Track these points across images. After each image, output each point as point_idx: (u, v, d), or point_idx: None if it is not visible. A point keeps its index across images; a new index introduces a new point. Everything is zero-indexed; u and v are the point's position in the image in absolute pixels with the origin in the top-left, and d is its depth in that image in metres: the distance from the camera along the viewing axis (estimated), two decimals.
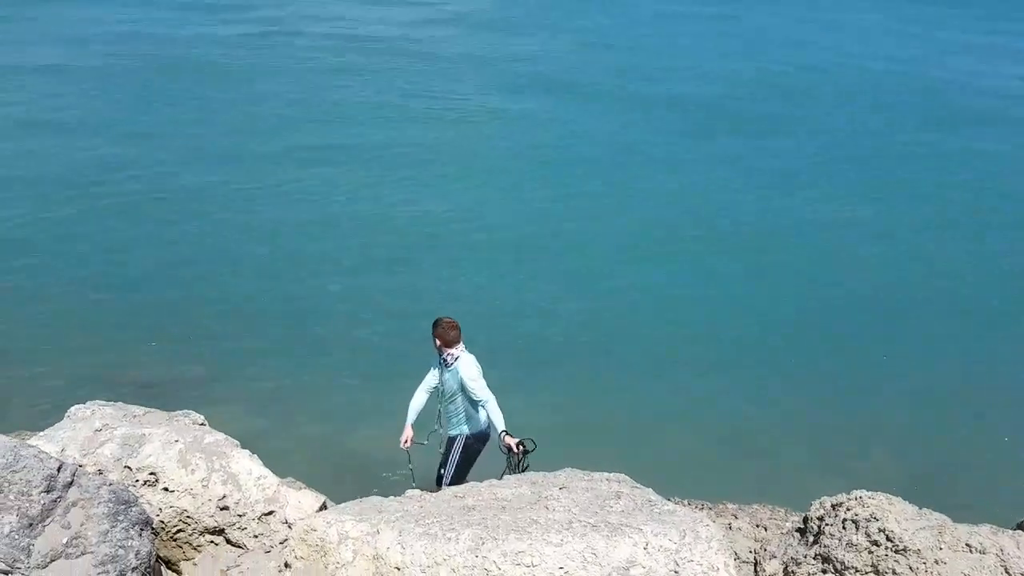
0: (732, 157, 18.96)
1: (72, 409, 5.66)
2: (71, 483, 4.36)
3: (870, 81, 26.52)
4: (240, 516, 5.25)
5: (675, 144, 19.79)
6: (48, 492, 4.23)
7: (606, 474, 5.67)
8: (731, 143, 20.02)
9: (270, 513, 5.29)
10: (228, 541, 5.27)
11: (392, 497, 5.42)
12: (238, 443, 5.65)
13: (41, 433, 5.41)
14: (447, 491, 5.53)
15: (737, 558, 6.56)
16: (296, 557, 4.72)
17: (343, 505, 5.38)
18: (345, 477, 7.94)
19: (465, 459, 6.89)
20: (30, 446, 4.52)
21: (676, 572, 4.39)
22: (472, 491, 5.43)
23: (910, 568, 4.24)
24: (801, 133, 21.00)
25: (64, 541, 4.19)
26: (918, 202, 16.77)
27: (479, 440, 6.92)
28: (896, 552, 4.28)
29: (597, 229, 14.94)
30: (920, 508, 4.70)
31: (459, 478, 6.82)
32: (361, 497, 5.52)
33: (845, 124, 21.98)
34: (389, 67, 26.00)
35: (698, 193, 16.87)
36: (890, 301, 12.83)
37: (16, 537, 4.05)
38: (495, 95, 23.42)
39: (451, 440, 6.92)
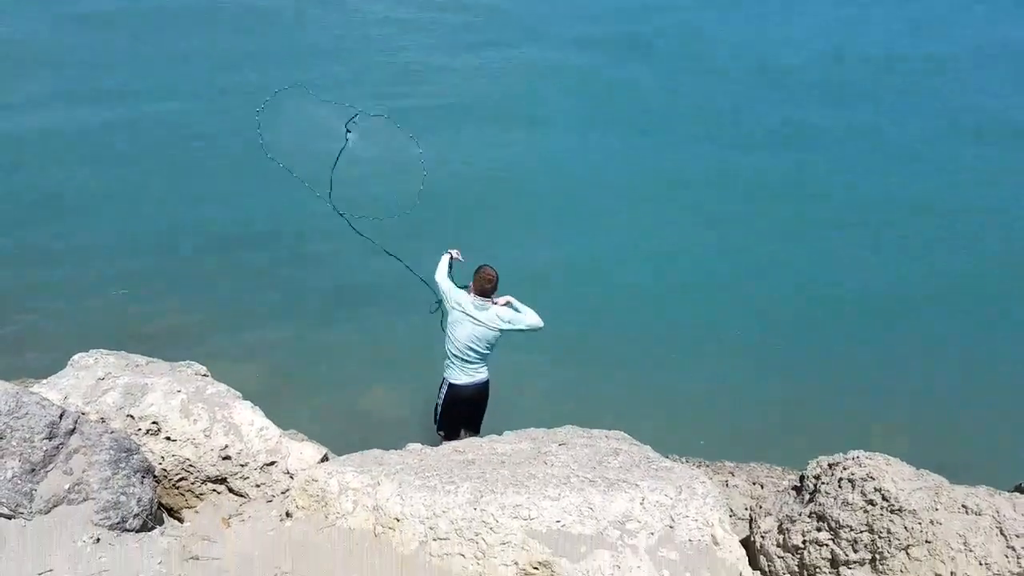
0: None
1: (75, 357, 5.68)
2: (73, 430, 4.40)
3: None
4: (242, 466, 5.30)
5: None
6: (50, 439, 4.27)
7: (605, 431, 5.72)
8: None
9: (272, 464, 5.34)
10: (230, 490, 5.32)
11: (393, 450, 5.47)
12: (240, 395, 5.68)
13: (44, 381, 5.43)
14: (446, 446, 5.58)
15: (733, 515, 6.64)
16: (297, 507, 4.77)
17: (344, 457, 5.44)
18: (346, 430, 7.98)
19: (443, 408, 6.85)
20: (33, 393, 4.55)
21: (671, 527, 4.44)
22: (471, 446, 5.48)
23: (905, 528, 4.27)
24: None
25: (66, 487, 4.24)
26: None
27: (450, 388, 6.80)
28: (891, 512, 4.31)
29: (632, 195, 14.77)
30: (918, 469, 4.72)
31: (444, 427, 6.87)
32: (362, 450, 5.58)
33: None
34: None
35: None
36: (899, 267, 12.78)
37: (19, 482, 4.11)
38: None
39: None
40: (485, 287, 6.42)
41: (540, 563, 4.19)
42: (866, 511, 4.41)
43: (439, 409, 6.79)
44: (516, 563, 4.23)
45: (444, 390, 6.74)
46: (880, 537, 4.33)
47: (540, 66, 20.11)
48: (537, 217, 13.83)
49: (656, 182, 15.21)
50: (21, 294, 10.45)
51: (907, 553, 4.29)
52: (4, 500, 4.07)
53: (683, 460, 7.78)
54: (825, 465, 4.85)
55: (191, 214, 12.91)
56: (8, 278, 10.74)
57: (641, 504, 4.51)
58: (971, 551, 4.18)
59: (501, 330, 6.53)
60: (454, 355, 6.56)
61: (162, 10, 21.59)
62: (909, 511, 4.29)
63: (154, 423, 5.23)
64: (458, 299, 6.50)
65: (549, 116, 17.52)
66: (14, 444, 4.16)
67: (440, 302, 6.69)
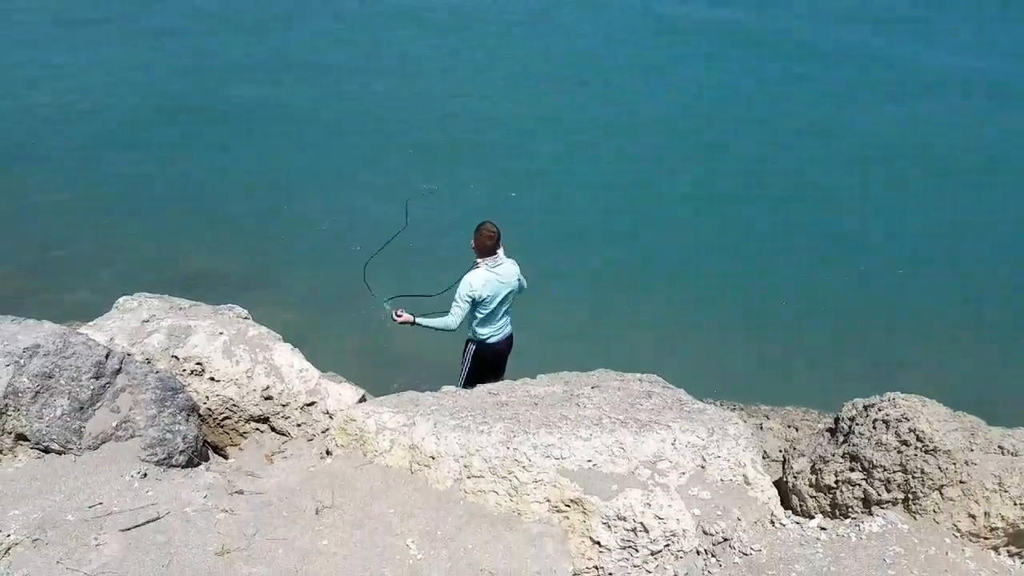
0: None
1: (120, 300, 5.83)
2: (119, 370, 4.54)
3: None
4: (283, 406, 5.44)
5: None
6: (97, 378, 4.42)
7: (639, 375, 5.74)
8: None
9: (312, 404, 5.47)
10: (273, 429, 5.48)
11: (428, 392, 5.56)
12: (280, 337, 5.80)
13: (90, 323, 5.59)
14: (480, 388, 5.64)
15: (767, 456, 6.66)
16: (337, 445, 4.90)
17: (381, 398, 5.55)
18: (383, 372, 8.12)
19: (470, 367, 6.74)
20: (80, 334, 4.69)
21: (703, 467, 4.48)
22: (505, 388, 5.54)
23: (939, 468, 4.24)
24: None
25: (113, 424, 4.40)
26: None
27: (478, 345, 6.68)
28: (925, 452, 4.28)
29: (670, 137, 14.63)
30: (955, 411, 4.68)
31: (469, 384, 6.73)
32: (398, 392, 5.67)
33: None
34: None
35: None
36: (936, 211, 12.53)
37: (68, 419, 4.27)
38: None
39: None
40: (487, 243, 6.26)
41: (571, 500, 4.27)
42: (900, 451, 4.39)
43: (467, 369, 6.70)
44: (548, 500, 4.31)
45: (471, 349, 6.64)
46: (913, 477, 4.32)
47: None
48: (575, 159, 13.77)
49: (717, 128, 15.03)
50: (65, 239, 10.72)
51: (940, 493, 4.27)
52: (55, 437, 4.24)
53: (718, 403, 7.78)
54: (860, 407, 4.81)
55: (229, 165, 13.08)
56: (53, 225, 11.00)
57: (672, 445, 4.55)
58: (1006, 491, 4.15)
59: (518, 281, 6.50)
60: (485, 316, 6.44)
61: None
62: (943, 451, 4.26)
63: (198, 364, 5.37)
64: (474, 284, 6.24)
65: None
66: (62, 383, 4.31)
67: (474, 302, 6.48)
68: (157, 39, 19.18)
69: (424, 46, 19.75)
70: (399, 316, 6.37)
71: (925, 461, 4.33)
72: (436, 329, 6.37)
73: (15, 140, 13.53)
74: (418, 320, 6.37)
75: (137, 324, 5.50)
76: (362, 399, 5.69)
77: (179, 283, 8.52)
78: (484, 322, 6.44)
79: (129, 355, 4.86)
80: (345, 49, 19.32)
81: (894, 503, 4.44)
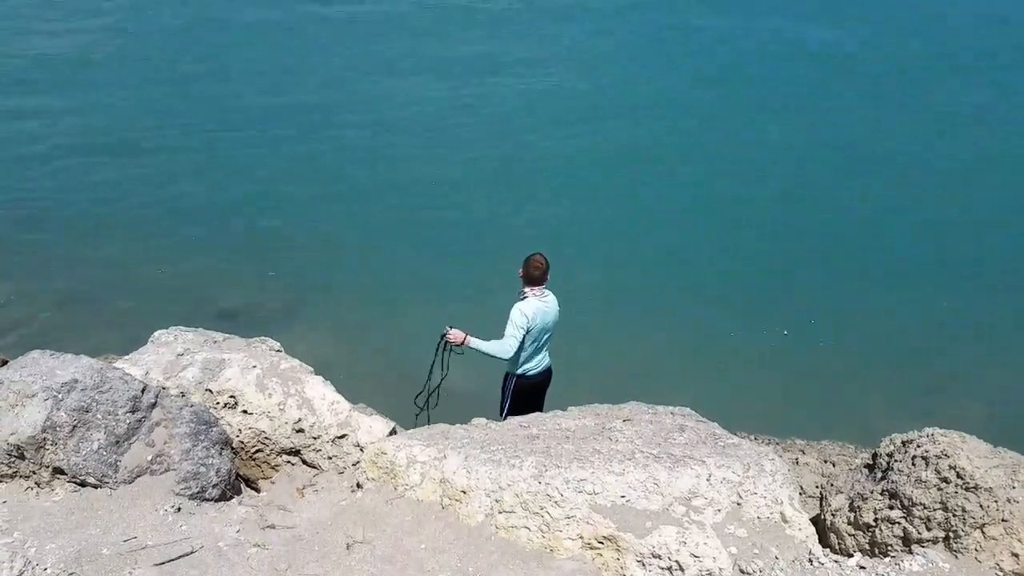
0: None
1: (156, 334, 5.91)
2: (154, 404, 4.59)
3: None
4: (315, 439, 5.45)
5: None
6: (133, 412, 4.47)
7: (671, 407, 5.68)
8: None
9: (343, 436, 5.48)
10: (304, 462, 5.49)
11: (458, 424, 5.55)
12: (312, 369, 5.83)
13: (126, 357, 5.66)
14: (512, 420, 5.62)
15: (803, 492, 6.55)
16: (367, 478, 4.90)
17: (412, 431, 5.55)
18: (413, 405, 8.10)
19: (512, 400, 6.65)
20: (116, 368, 4.76)
21: (739, 504, 4.41)
22: (536, 421, 5.52)
23: (980, 506, 4.15)
24: None
25: (149, 458, 4.44)
26: None
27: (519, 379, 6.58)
28: (966, 490, 4.19)
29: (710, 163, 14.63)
30: (995, 447, 4.58)
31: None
32: (429, 424, 5.67)
33: None
34: None
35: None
36: (972, 236, 12.34)
37: (104, 453, 4.31)
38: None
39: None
40: (535, 274, 6.23)
41: (605, 537, 4.22)
42: (940, 489, 4.30)
43: (508, 403, 6.64)
44: (581, 537, 4.27)
45: (513, 382, 6.55)
46: (954, 515, 4.23)
47: None
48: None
49: (727, 153, 14.98)
50: (103, 273, 10.89)
51: (982, 531, 4.17)
52: (91, 470, 4.29)
53: (752, 438, 7.68)
54: (899, 442, 4.73)
55: (269, 190, 13.26)
56: (90, 260, 11.19)
57: (708, 480, 4.49)
58: None
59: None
60: (528, 347, 6.39)
61: None
62: (985, 489, 4.16)
63: (231, 397, 5.41)
64: (527, 313, 6.15)
65: None
66: (99, 417, 4.37)
67: (528, 329, 6.42)
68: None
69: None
70: (449, 333, 6.15)
71: (966, 499, 4.24)
72: (487, 354, 6.17)
73: (49, 175, 13.76)
74: (470, 340, 6.15)
75: (172, 357, 5.56)
76: (392, 431, 5.70)
77: (214, 315, 8.63)
78: (526, 354, 6.38)
79: (164, 389, 4.92)
80: (399, 78, 19.19)
81: (934, 542, 4.34)
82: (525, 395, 6.58)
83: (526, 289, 6.22)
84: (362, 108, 16.84)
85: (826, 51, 20.51)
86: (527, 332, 6.17)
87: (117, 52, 19.47)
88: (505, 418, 6.47)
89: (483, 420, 5.83)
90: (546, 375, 6.62)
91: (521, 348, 6.26)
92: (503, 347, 6.13)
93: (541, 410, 6.57)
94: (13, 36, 19.91)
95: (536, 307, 6.18)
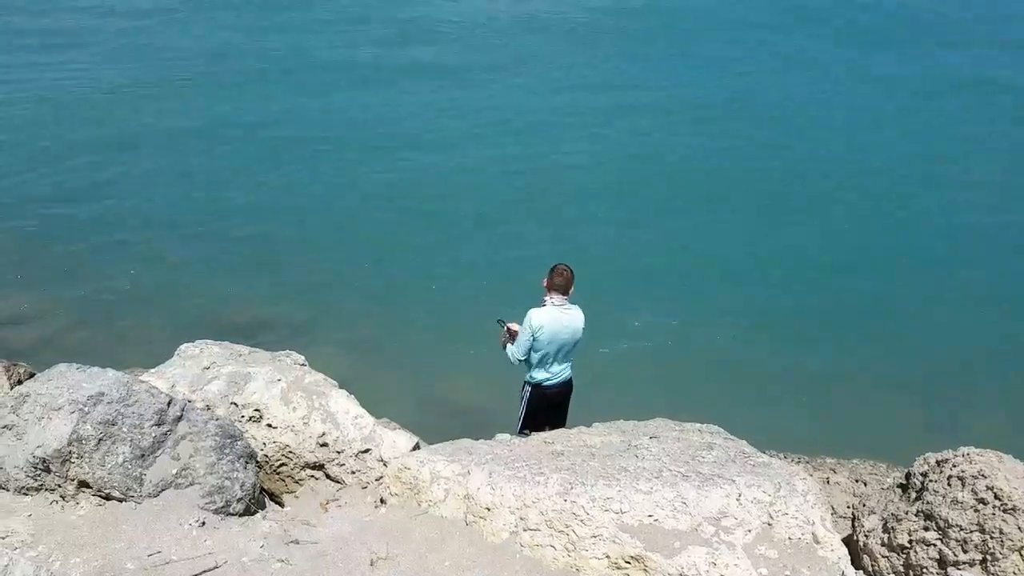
0: None
1: (182, 347, 5.92)
2: (180, 417, 4.58)
3: None
4: (338, 453, 5.42)
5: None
6: (159, 425, 4.46)
7: (698, 424, 5.60)
8: None
9: (366, 451, 5.44)
10: (327, 476, 5.46)
11: (482, 440, 5.50)
12: (336, 383, 5.81)
13: (152, 370, 5.68)
14: (535, 437, 5.56)
15: (834, 512, 6.43)
16: (391, 494, 4.86)
17: (435, 446, 5.50)
18: (437, 420, 8.08)
19: (527, 410, 6.61)
20: (142, 382, 4.76)
21: (770, 524, 4.32)
22: (561, 437, 5.46)
23: (1019, 528, 4.04)
24: None
25: (174, 472, 4.42)
26: None
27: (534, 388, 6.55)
28: (1004, 511, 4.09)
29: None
30: None
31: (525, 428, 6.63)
32: (453, 439, 5.62)
33: None
34: None
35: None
36: (997, 252, 12.15)
37: (129, 467, 4.30)
38: None
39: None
40: (556, 281, 6.18)
41: (632, 557, 4.14)
42: (977, 510, 4.20)
43: (523, 412, 6.61)
44: (607, 556, 4.20)
45: (528, 391, 6.51)
46: (992, 537, 4.12)
47: None
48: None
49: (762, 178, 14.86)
50: (130, 287, 10.98)
51: (1020, 554, 4.06)
52: (116, 484, 4.28)
53: (782, 456, 7.55)
54: (933, 462, 4.63)
55: (290, 215, 13.33)
56: (117, 274, 11.29)
57: (737, 500, 4.40)
58: None
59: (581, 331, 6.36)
60: (541, 357, 6.36)
61: None
62: (1023, 510, 4.06)
63: (256, 411, 5.40)
64: (535, 318, 6.14)
65: None
66: (125, 430, 4.36)
67: (535, 336, 6.41)
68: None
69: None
70: (510, 325, 6.33)
71: (1004, 520, 4.13)
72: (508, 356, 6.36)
73: (82, 190, 13.92)
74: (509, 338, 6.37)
75: (198, 371, 5.57)
76: (416, 446, 5.65)
77: (240, 329, 8.65)
78: (540, 364, 6.32)
79: (190, 402, 4.91)
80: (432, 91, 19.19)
81: (971, 564, 4.23)
82: (542, 406, 6.52)
83: (547, 297, 6.20)
84: (376, 122, 16.91)
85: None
86: (534, 339, 6.15)
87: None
88: (520, 427, 6.45)
89: (507, 436, 5.79)
90: (564, 388, 6.52)
91: (531, 354, 6.27)
92: (510, 351, 6.27)
93: (563, 425, 6.52)
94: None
95: (550, 315, 6.14)
